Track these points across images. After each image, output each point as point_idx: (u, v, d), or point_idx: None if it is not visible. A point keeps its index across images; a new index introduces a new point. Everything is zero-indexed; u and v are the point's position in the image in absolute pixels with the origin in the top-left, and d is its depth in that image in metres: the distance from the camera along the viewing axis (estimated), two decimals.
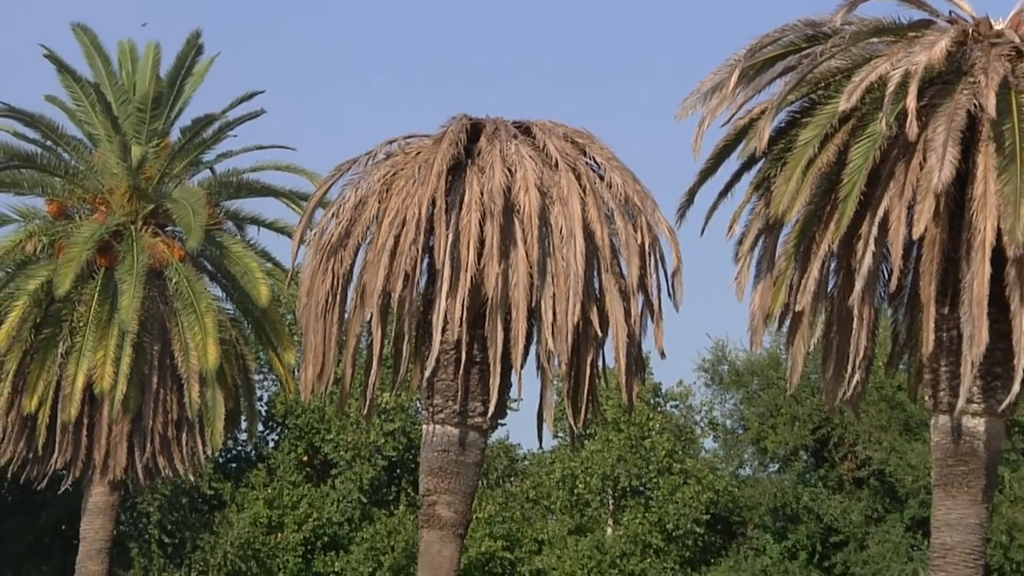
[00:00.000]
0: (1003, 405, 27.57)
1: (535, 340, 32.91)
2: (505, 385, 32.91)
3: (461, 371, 32.69)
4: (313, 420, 49.07)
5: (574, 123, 34.17)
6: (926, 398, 28.46)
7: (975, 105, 26.53)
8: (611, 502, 49.77)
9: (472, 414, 33.02)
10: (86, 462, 39.42)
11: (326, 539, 47.39)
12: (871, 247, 27.04)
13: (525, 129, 33.66)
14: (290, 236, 37.86)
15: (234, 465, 50.05)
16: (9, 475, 41.01)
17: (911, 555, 43.02)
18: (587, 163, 33.56)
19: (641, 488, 49.06)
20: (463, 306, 31.84)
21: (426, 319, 32.99)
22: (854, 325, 27.95)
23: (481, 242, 31.96)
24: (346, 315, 33.34)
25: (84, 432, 39.15)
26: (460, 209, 32.28)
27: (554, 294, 32.19)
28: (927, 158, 26.43)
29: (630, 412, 44.00)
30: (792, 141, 27.99)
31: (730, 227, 29.26)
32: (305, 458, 49.66)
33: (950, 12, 28.36)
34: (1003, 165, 26.29)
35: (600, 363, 33.96)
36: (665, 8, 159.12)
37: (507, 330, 32.15)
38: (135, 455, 39.40)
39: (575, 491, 49.48)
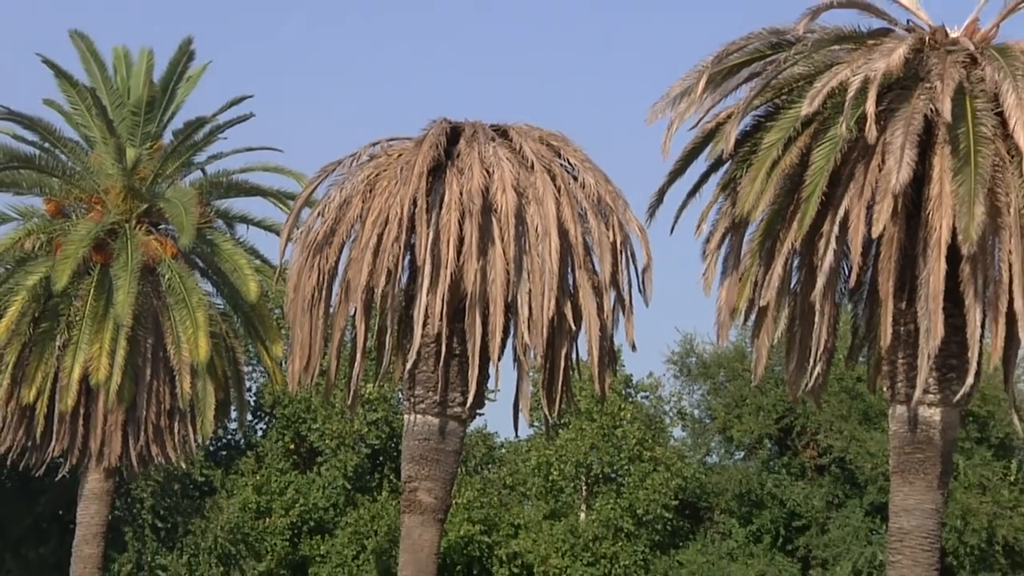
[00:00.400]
0: (958, 396, 27.65)
1: (512, 334, 32.97)
2: (483, 376, 32.97)
3: (441, 363, 32.72)
4: (300, 410, 49.04)
5: (549, 126, 34.27)
6: (884, 389, 28.54)
7: (931, 110, 26.59)
8: (584, 488, 49.77)
9: (452, 404, 33.06)
10: (82, 450, 39.39)
11: (312, 523, 47.37)
12: (832, 245, 27.11)
13: (502, 132, 33.69)
14: (278, 234, 37.84)
15: (224, 453, 50.01)
16: (8, 462, 40.98)
17: (870, 539, 43.05)
18: (561, 164, 33.60)
19: (613, 475, 49.07)
20: (443, 301, 31.88)
21: (408, 313, 33.02)
22: (816, 319, 28.01)
23: (460, 240, 32.00)
24: (331, 310, 33.36)
25: (80, 421, 39.11)
26: (440, 209, 32.31)
27: (530, 290, 32.25)
28: (886, 160, 26.50)
29: (602, 402, 44.00)
30: (757, 144, 28.03)
31: (698, 226, 29.28)
32: (292, 446, 49.62)
33: (908, 21, 28.40)
34: (958, 167, 26.34)
35: (574, 356, 34.03)
36: (637, 17, 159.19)
37: (485, 324, 32.20)
38: (129, 443, 39.37)
39: (550, 478, 49.48)
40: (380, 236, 32.27)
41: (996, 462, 45.04)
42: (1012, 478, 45.19)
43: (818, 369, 28.44)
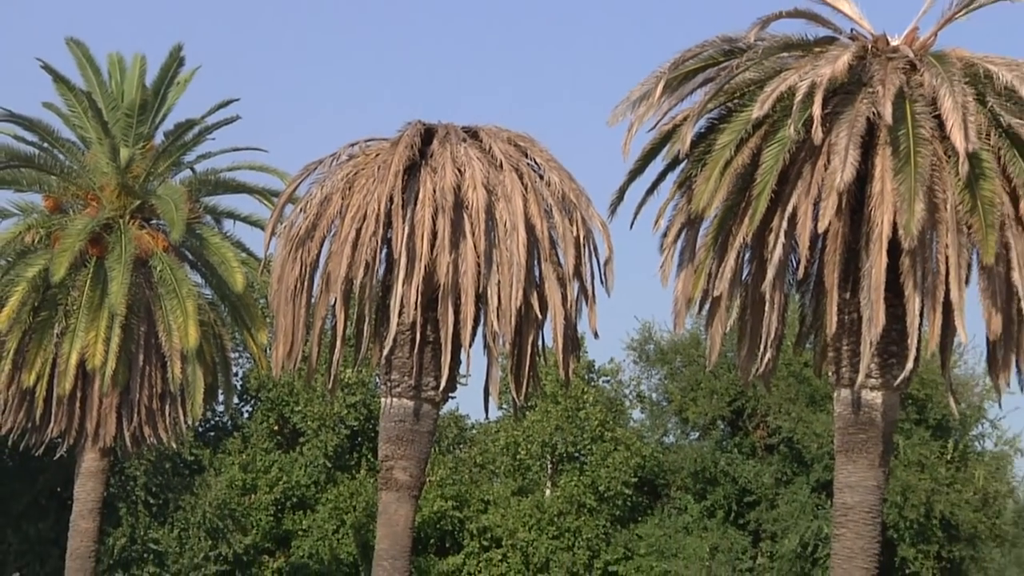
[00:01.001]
0: (898, 380, 27.74)
1: (482, 322, 32.96)
2: (455, 362, 32.98)
3: (416, 350, 32.72)
4: (283, 393, 48.99)
5: (517, 128, 34.29)
6: (830, 374, 28.59)
7: (874, 113, 26.63)
8: (549, 467, 49.80)
9: (425, 388, 33.07)
10: (79, 431, 39.34)
11: (295, 500, 47.33)
12: (781, 239, 27.16)
13: (473, 133, 33.70)
14: (263, 229, 37.76)
15: (212, 434, 49.95)
16: (10, 443, 40.98)
17: (816, 514, 43.13)
18: (529, 164, 33.61)
19: (576, 454, 49.10)
20: (418, 292, 31.89)
21: (384, 303, 32.99)
22: (766, 309, 28.06)
23: (434, 234, 32.02)
24: (313, 299, 33.35)
25: (77, 404, 39.07)
26: (415, 205, 32.31)
27: (499, 281, 32.28)
28: (831, 160, 26.53)
29: (566, 386, 44.05)
30: (711, 145, 28.06)
31: (656, 221, 29.28)
32: (276, 427, 49.58)
33: (852, 29, 28.46)
34: (899, 167, 26.42)
35: (540, 343, 34.01)
36: (599, 26, 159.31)
37: (457, 313, 32.22)
38: (123, 425, 39.34)
39: (517, 457, 49.51)
40: (359, 231, 32.29)
41: (934, 442, 45.15)
42: (948, 457, 45.32)
43: (768, 355, 28.46)
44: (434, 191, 32.24)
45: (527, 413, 49.02)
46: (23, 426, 39.71)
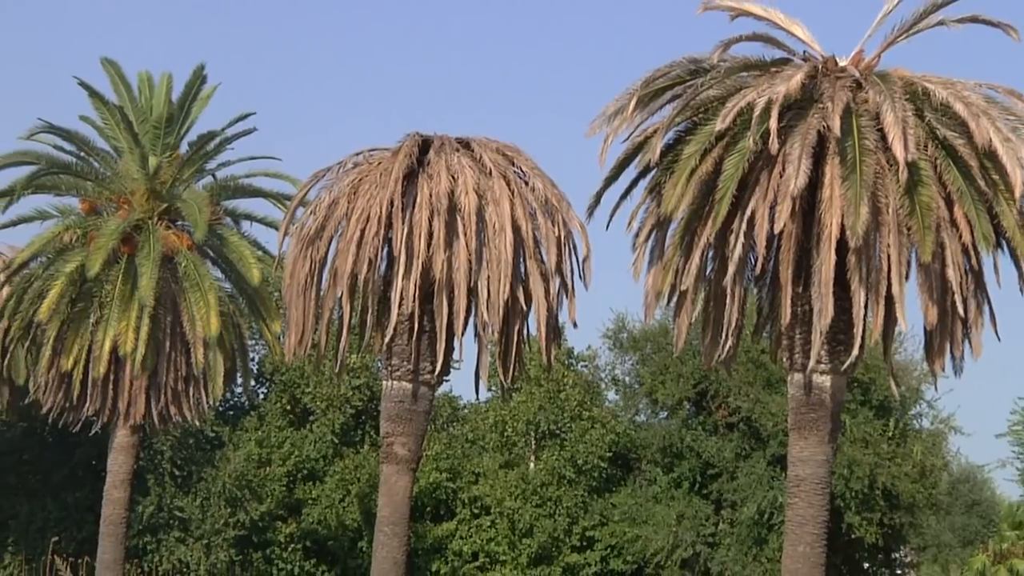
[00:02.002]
0: (845, 365, 27.76)
1: (473, 313, 33.01)
2: (449, 349, 33.00)
3: (414, 338, 32.73)
4: (295, 376, 48.93)
5: (505, 139, 34.34)
6: (784, 360, 28.62)
7: (824, 126, 26.64)
8: (533, 442, 49.76)
9: (422, 372, 33.09)
10: (112, 410, 39.32)
11: (305, 472, 47.28)
12: (741, 239, 27.18)
13: (466, 144, 33.72)
14: (277, 229, 37.77)
15: (231, 412, 49.87)
16: (50, 420, 40.93)
17: (772, 485, 43.16)
18: (515, 172, 33.65)
19: (557, 431, 49.05)
20: (416, 286, 31.94)
21: (386, 296, 33.02)
22: (727, 302, 28.08)
23: (430, 235, 32.03)
24: (321, 293, 33.35)
25: (110, 386, 39.03)
26: (413, 208, 32.35)
27: (488, 276, 32.35)
28: (785, 168, 26.54)
29: (548, 371, 43.94)
30: (678, 154, 28.03)
31: (629, 223, 29.29)
32: (288, 407, 49.50)
33: (804, 51, 28.47)
34: (846, 174, 26.44)
35: (525, 331, 34.06)
36: (580, 47, 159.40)
37: (451, 305, 32.27)
38: (151, 404, 39.32)
39: (504, 434, 49.48)
40: (363, 231, 32.33)
41: (877, 420, 45.18)
42: (890, 434, 45.37)
43: (729, 343, 28.48)
44: (430, 196, 32.28)
45: (513, 395, 49.00)
46: (62, 405, 39.71)
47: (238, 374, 43.16)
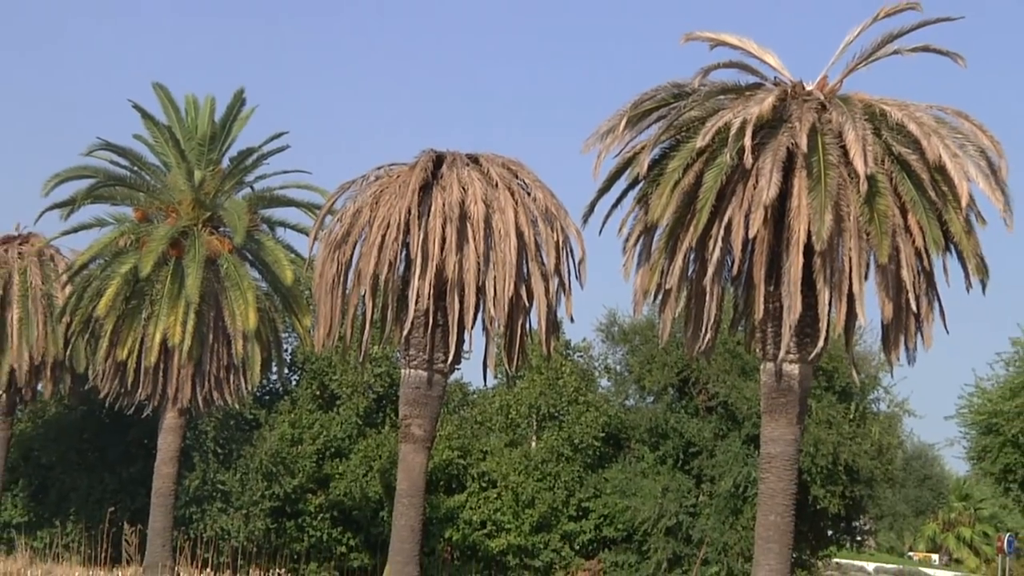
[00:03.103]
0: (811, 355, 27.76)
1: (481, 309, 33.03)
2: (460, 341, 33.00)
3: (429, 331, 32.77)
4: (323, 365, 48.93)
5: (510, 154, 34.39)
6: (757, 350, 28.60)
7: (792, 143, 26.67)
8: (535, 424, 49.74)
9: (436, 362, 33.10)
10: (162, 395, 39.37)
11: (332, 450, 47.27)
12: (719, 243, 27.17)
13: (475, 159, 33.77)
14: (307, 234, 37.78)
15: (267, 397, 49.87)
16: (107, 404, 40.99)
17: (746, 462, 43.11)
18: (519, 183, 33.68)
19: (556, 414, 49.04)
20: (430, 285, 31.97)
21: (404, 294, 33.04)
22: (707, 299, 28.10)
23: (443, 240, 32.06)
24: (347, 291, 33.37)
25: (160, 374, 39.08)
26: (429, 216, 32.38)
27: (495, 277, 32.38)
28: (759, 181, 26.53)
29: (548, 360, 44.06)
30: (664, 168, 28.02)
31: (620, 229, 29.24)
32: (317, 392, 49.49)
33: (775, 77, 28.46)
34: (812, 186, 26.43)
35: (527, 326, 34.08)
36: (575, 71, 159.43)
37: (462, 302, 32.29)
38: (197, 390, 39.35)
39: (509, 416, 49.47)
40: (383, 236, 32.36)
41: (839, 404, 45.13)
42: (851, 416, 45.30)
43: (708, 336, 28.51)
44: (444, 205, 32.31)
45: (517, 381, 49.02)
46: (117, 391, 39.78)
47: (273, 363, 43.22)
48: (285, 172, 40.93)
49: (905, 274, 26.85)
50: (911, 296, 27.01)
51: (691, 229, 27.52)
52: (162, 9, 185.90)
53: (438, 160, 33.49)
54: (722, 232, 27.16)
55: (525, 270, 33.15)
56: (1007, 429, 45.31)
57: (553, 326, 34.07)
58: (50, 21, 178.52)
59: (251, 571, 38.35)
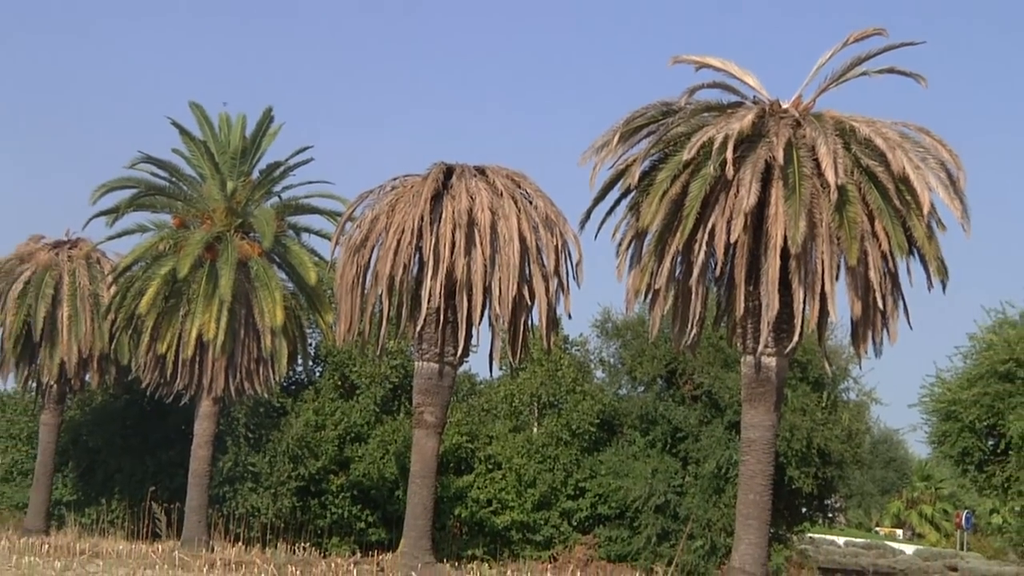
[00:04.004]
0: (787, 349, 27.78)
1: (487, 307, 33.07)
2: (468, 336, 33.10)
3: (440, 327, 32.79)
4: (344, 358, 48.88)
5: (514, 166, 34.53)
6: (738, 344, 28.58)
7: (770, 156, 26.70)
8: (536, 411, 49.65)
9: (447, 355, 33.14)
10: (197, 385, 39.36)
11: (352, 435, 47.23)
12: (703, 247, 27.19)
13: (481, 171, 33.81)
14: (329, 239, 37.79)
15: (293, 387, 49.82)
16: (148, 393, 40.99)
17: (728, 445, 43.01)
18: (521, 193, 33.75)
19: (555, 402, 48.96)
20: (441, 285, 32.00)
21: (417, 293, 33.09)
22: (692, 298, 28.14)
23: (453, 244, 32.12)
24: (365, 291, 33.40)
25: (196, 366, 39.08)
26: (440, 223, 32.43)
27: (500, 278, 32.44)
28: (739, 191, 26.56)
29: (548, 353, 44.05)
30: (653, 179, 28.04)
31: (613, 234, 29.28)
32: (339, 382, 49.44)
33: (754, 96, 28.49)
34: (788, 195, 26.45)
35: (529, 322, 34.13)
36: (573, 90, 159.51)
37: (470, 301, 32.32)
38: (229, 380, 39.35)
39: (513, 404, 49.40)
40: (399, 241, 32.41)
41: (812, 393, 45.04)
42: (823, 404, 45.20)
43: (693, 331, 28.51)
44: (453, 213, 32.35)
45: (519, 373, 48.96)
46: (157, 381, 39.78)
47: (298, 356, 43.26)
48: (309, 183, 40.99)
49: (872, 275, 26.87)
50: (878, 295, 27.04)
51: (678, 234, 27.54)
52: (192, 28, 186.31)
53: (448, 172, 33.53)
54: (706, 237, 27.18)
55: (527, 271, 33.19)
56: (965, 416, 45.20)
57: (553, 322, 34.08)
58: (96, 43, 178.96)
59: (279, 545, 38.31)
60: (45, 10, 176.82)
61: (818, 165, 26.50)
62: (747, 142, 27.15)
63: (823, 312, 27.24)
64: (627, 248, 28.96)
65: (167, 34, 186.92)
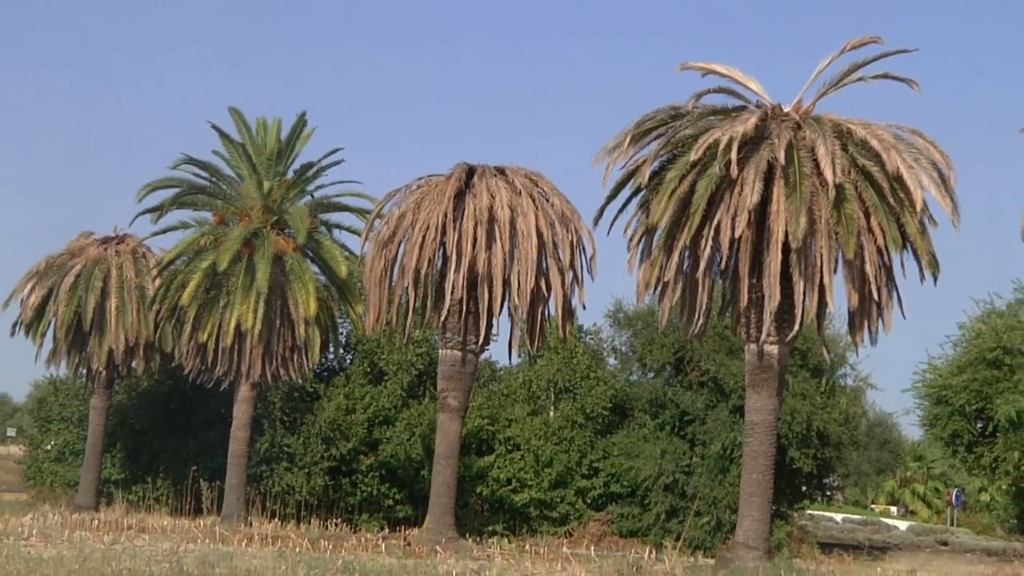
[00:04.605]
0: (788, 337, 27.78)
1: (507, 298, 33.06)
2: (489, 325, 33.10)
3: (462, 317, 32.82)
4: (373, 346, 48.93)
5: (532, 166, 34.56)
6: (742, 333, 28.60)
7: (772, 157, 26.69)
8: (553, 396, 49.65)
9: (469, 343, 33.16)
10: (236, 371, 39.43)
11: (381, 418, 47.28)
12: (710, 242, 27.23)
13: (501, 171, 33.81)
14: (359, 235, 37.84)
15: (325, 373, 49.87)
16: (190, 379, 41.09)
17: (733, 428, 42.96)
18: (539, 191, 33.72)
19: (570, 387, 48.94)
20: (464, 278, 32.02)
21: (441, 286, 33.11)
22: (699, 290, 28.14)
23: (475, 239, 32.13)
24: (393, 283, 33.42)
25: (235, 353, 39.13)
26: (462, 220, 32.44)
27: (518, 271, 32.43)
28: (743, 189, 26.56)
29: (564, 341, 44.06)
30: (662, 179, 28.06)
31: (625, 230, 29.29)
32: (368, 369, 49.49)
33: (757, 100, 28.48)
34: (789, 193, 26.45)
35: (546, 312, 34.13)
36: (590, 95, 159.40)
37: (490, 292, 32.33)
38: (266, 367, 39.40)
39: (531, 389, 49.39)
40: (424, 237, 32.43)
41: (812, 379, 44.97)
42: (822, 389, 45.13)
43: (700, 321, 28.52)
44: (475, 210, 32.36)
45: (537, 360, 48.96)
46: (199, 368, 39.87)
47: (330, 344, 43.34)
48: (340, 182, 41.01)
49: (868, 268, 26.85)
50: (873, 287, 27.01)
51: (686, 230, 27.54)
52: (228, 40, 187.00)
53: (470, 172, 33.54)
54: (712, 233, 27.19)
55: (544, 265, 33.18)
56: (955, 400, 45.25)
57: (568, 313, 34.09)
58: (140, 59, 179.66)
59: (312, 521, 38.39)
60: (98, 31, 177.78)
61: (817, 165, 26.49)
62: (750, 143, 27.14)
63: (822, 303, 27.24)
64: (638, 243, 28.96)
65: (208, 48, 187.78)
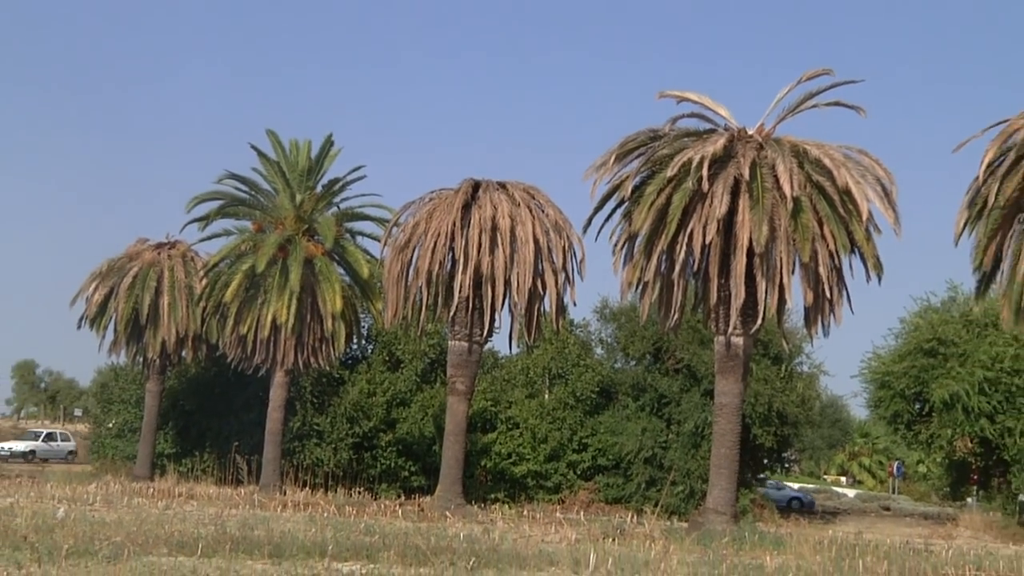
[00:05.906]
0: (752, 330, 27.78)
1: (507, 296, 33.04)
2: (492, 320, 33.12)
3: (469, 312, 32.81)
4: (391, 338, 48.88)
5: (529, 181, 34.47)
6: (712, 327, 28.57)
7: (738, 173, 26.70)
8: (547, 381, 49.63)
9: (475, 335, 33.16)
10: (272, 360, 39.39)
11: (398, 400, 47.23)
12: (684, 247, 27.21)
13: (503, 185, 33.80)
14: (379, 241, 37.81)
15: (349, 361, 49.79)
16: (232, 366, 41.06)
17: (704, 409, 42.91)
18: (535, 203, 33.73)
19: (563, 374, 48.92)
20: (470, 278, 32.01)
21: (450, 286, 33.11)
22: (674, 289, 28.14)
23: (480, 245, 32.13)
24: (408, 283, 33.43)
25: (271, 344, 39.09)
26: (469, 228, 32.43)
27: (518, 272, 32.43)
28: (713, 201, 26.54)
29: (557, 334, 44.02)
30: (643, 192, 28.06)
31: (610, 237, 29.31)
32: (387, 358, 49.45)
33: (725, 124, 28.47)
34: (752, 205, 26.46)
35: (542, 308, 34.07)
36: (578, 117, 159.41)
37: (493, 291, 32.34)
38: (298, 356, 39.36)
39: (528, 375, 49.38)
40: (435, 242, 32.43)
41: (773, 366, 44.99)
42: (781, 375, 45.17)
43: (676, 316, 28.50)
44: (480, 219, 32.35)
45: (534, 350, 48.99)
46: (240, 357, 39.83)
47: (354, 336, 43.29)
48: (363, 195, 40.92)
49: (822, 270, 26.85)
50: (826, 286, 27.03)
51: (663, 237, 27.56)
52: (248, 57, 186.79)
53: (475, 186, 33.53)
54: (686, 239, 27.19)
55: (540, 267, 33.17)
56: (896, 384, 45.31)
57: (561, 309, 34.10)
58: (186, 83, 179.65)
59: (338, 490, 38.37)
60: (140, 55, 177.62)
61: (777, 181, 26.49)
62: (719, 162, 27.15)
63: (781, 300, 27.25)
64: (621, 248, 28.97)
65: (228, 67, 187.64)
